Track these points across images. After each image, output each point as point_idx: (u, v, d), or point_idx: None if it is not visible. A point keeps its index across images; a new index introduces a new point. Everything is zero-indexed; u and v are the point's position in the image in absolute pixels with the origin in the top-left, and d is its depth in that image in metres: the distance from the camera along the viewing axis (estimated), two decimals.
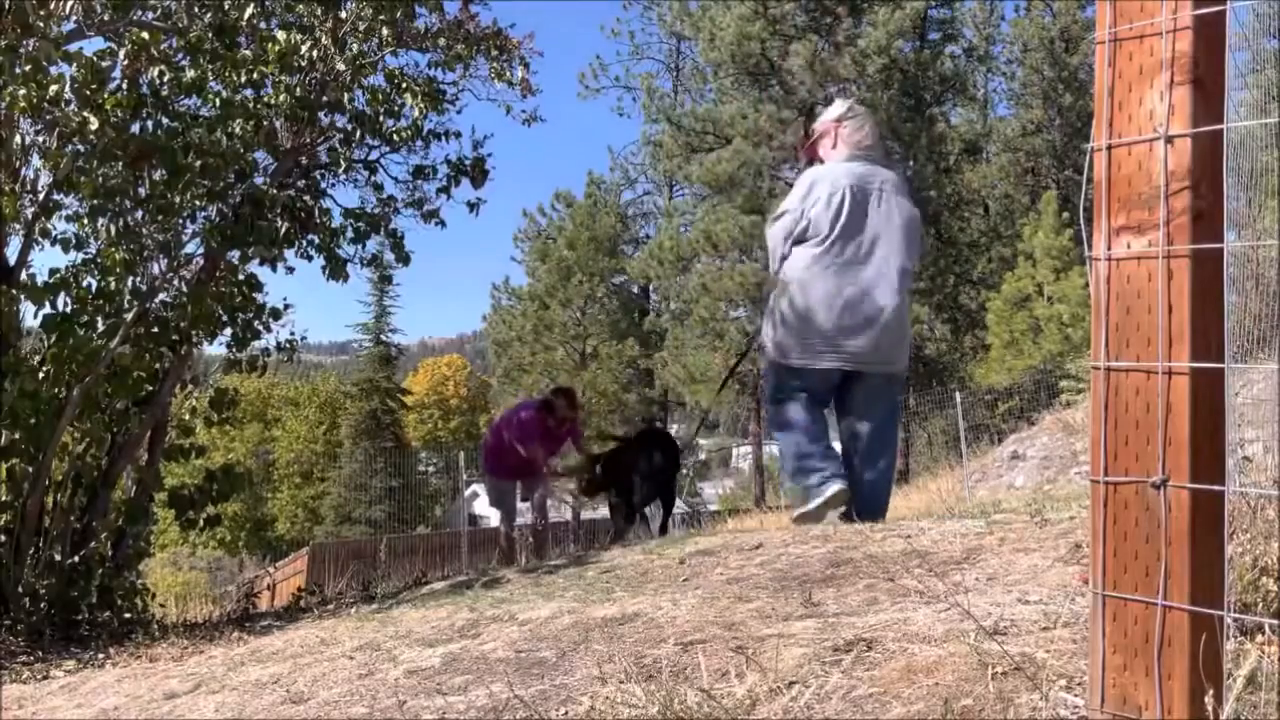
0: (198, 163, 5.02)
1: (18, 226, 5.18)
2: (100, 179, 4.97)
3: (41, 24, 4.65)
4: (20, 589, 4.70)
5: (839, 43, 22.51)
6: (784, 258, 4.39)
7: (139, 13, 5.23)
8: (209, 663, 3.50)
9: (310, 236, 5.79)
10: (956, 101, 26.77)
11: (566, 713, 2.08)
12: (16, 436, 4.89)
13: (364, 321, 36.21)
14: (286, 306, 5.89)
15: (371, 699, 2.45)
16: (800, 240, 4.37)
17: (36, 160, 5.06)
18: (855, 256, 4.36)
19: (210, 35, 5.23)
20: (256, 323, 5.73)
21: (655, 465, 5.99)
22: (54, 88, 4.78)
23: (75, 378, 4.98)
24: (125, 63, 5.01)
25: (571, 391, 7.82)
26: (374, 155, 6.19)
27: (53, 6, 4.75)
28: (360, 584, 5.59)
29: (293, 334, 6.14)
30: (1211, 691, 1.28)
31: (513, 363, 29.01)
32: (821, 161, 4.62)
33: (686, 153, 24.07)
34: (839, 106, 4.75)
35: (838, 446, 4.62)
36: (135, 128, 5.11)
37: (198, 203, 5.25)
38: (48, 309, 5.09)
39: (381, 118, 5.89)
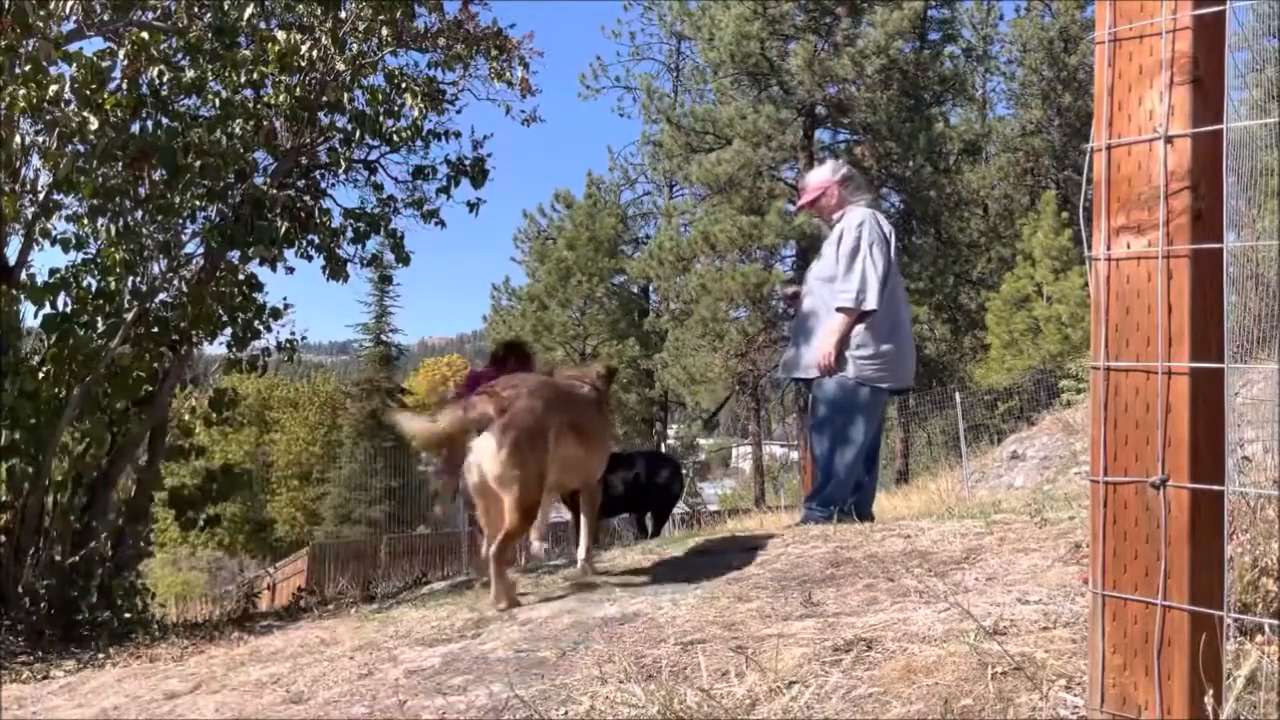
0: (198, 163, 5.02)
1: (18, 226, 5.18)
2: (100, 179, 4.97)
3: (41, 24, 4.65)
4: (20, 589, 4.70)
5: (838, 43, 22.50)
6: (881, 286, 4.62)
7: (139, 13, 5.23)
8: (209, 663, 3.50)
9: (310, 236, 5.80)
10: (956, 101, 26.74)
11: (566, 713, 2.08)
12: (16, 436, 4.89)
13: (364, 321, 36.14)
14: (286, 306, 5.90)
15: (371, 699, 2.45)
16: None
17: (36, 160, 5.06)
18: (900, 285, 4.83)
19: (210, 35, 5.22)
20: (256, 323, 5.73)
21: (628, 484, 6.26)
22: (54, 88, 4.78)
23: (75, 378, 4.98)
24: (125, 63, 5.01)
25: (521, 346, 6.19)
26: (374, 155, 6.19)
27: (53, 6, 4.75)
28: (360, 584, 5.59)
29: (293, 334, 6.16)
30: (1211, 691, 1.28)
31: None
32: (825, 216, 4.93)
33: (686, 153, 24.05)
34: (835, 168, 5.05)
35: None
36: (135, 128, 5.12)
37: (198, 203, 5.25)
38: (48, 309, 5.10)
39: (381, 118, 5.89)
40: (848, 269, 4.57)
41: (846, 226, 4.67)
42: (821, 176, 5.00)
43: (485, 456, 3.11)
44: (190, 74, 5.24)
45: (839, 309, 4.54)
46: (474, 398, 3.22)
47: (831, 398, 4.61)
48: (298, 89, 5.46)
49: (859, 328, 4.55)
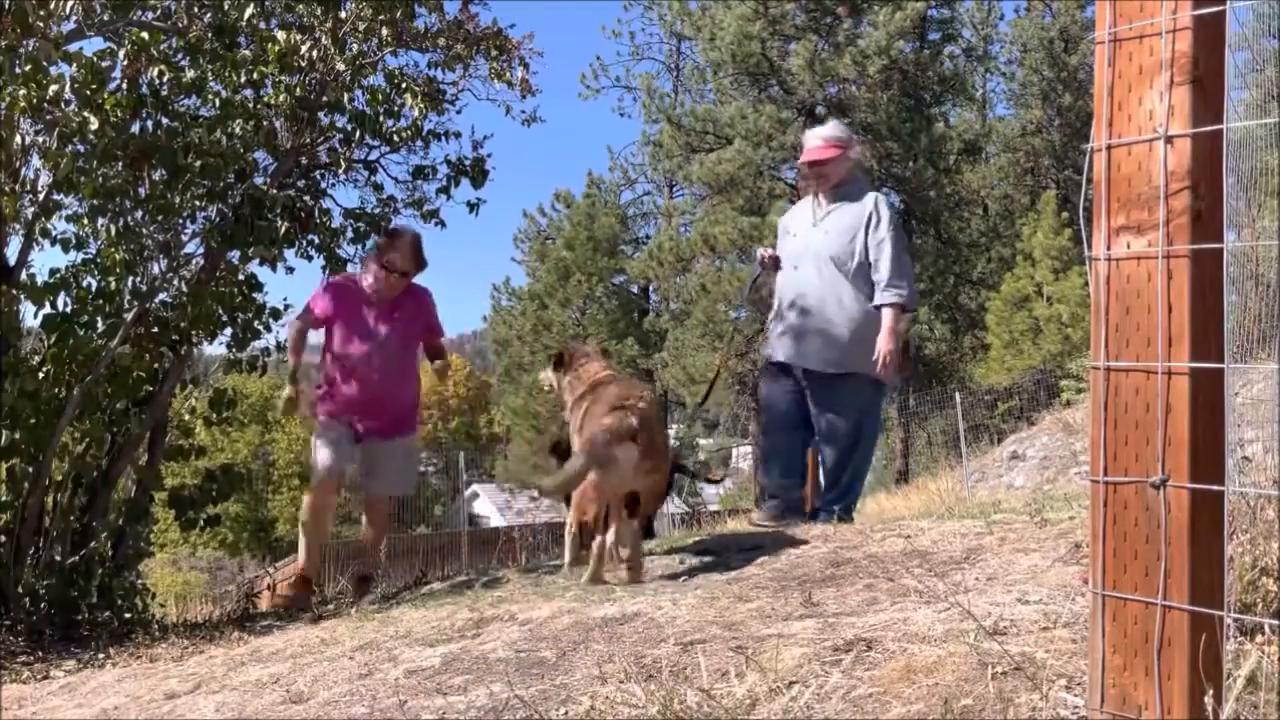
0: (198, 163, 5.01)
1: (18, 226, 5.17)
2: (100, 179, 4.96)
3: (41, 24, 4.64)
4: (20, 589, 4.69)
5: (839, 43, 22.51)
6: None
7: (139, 13, 5.22)
8: (209, 662, 3.50)
9: (310, 236, 5.79)
10: (956, 102, 26.75)
11: (566, 713, 2.08)
12: (16, 436, 4.88)
13: None
14: (286, 306, 5.88)
15: (371, 699, 2.45)
16: None
17: (36, 160, 5.05)
18: None
19: (210, 35, 5.22)
20: (256, 323, 5.72)
21: None
22: (54, 88, 4.77)
23: (75, 378, 4.97)
24: (125, 63, 5.00)
25: (415, 237, 5.20)
26: (374, 155, 6.18)
27: (53, 6, 4.75)
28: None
29: None
30: (1211, 691, 1.28)
31: (512, 361, 29.02)
32: (827, 182, 4.68)
33: (686, 153, 24.04)
34: (849, 134, 4.88)
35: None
36: (135, 128, 5.11)
37: (198, 203, 5.24)
38: (48, 309, 5.09)
39: (381, 118, 5.87)
40: (896, 265, 4.39)
41: (875, 214, 4.48)
42: (837, 135, 4.72)
43: (632, 462, 3.64)
44: (190, 74, 5.23)
45: (900, 308, 4.37)
46: (620, 411, 3.69)
47: (866, 396, 4.55)
48: (298, 89, 5.45)
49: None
